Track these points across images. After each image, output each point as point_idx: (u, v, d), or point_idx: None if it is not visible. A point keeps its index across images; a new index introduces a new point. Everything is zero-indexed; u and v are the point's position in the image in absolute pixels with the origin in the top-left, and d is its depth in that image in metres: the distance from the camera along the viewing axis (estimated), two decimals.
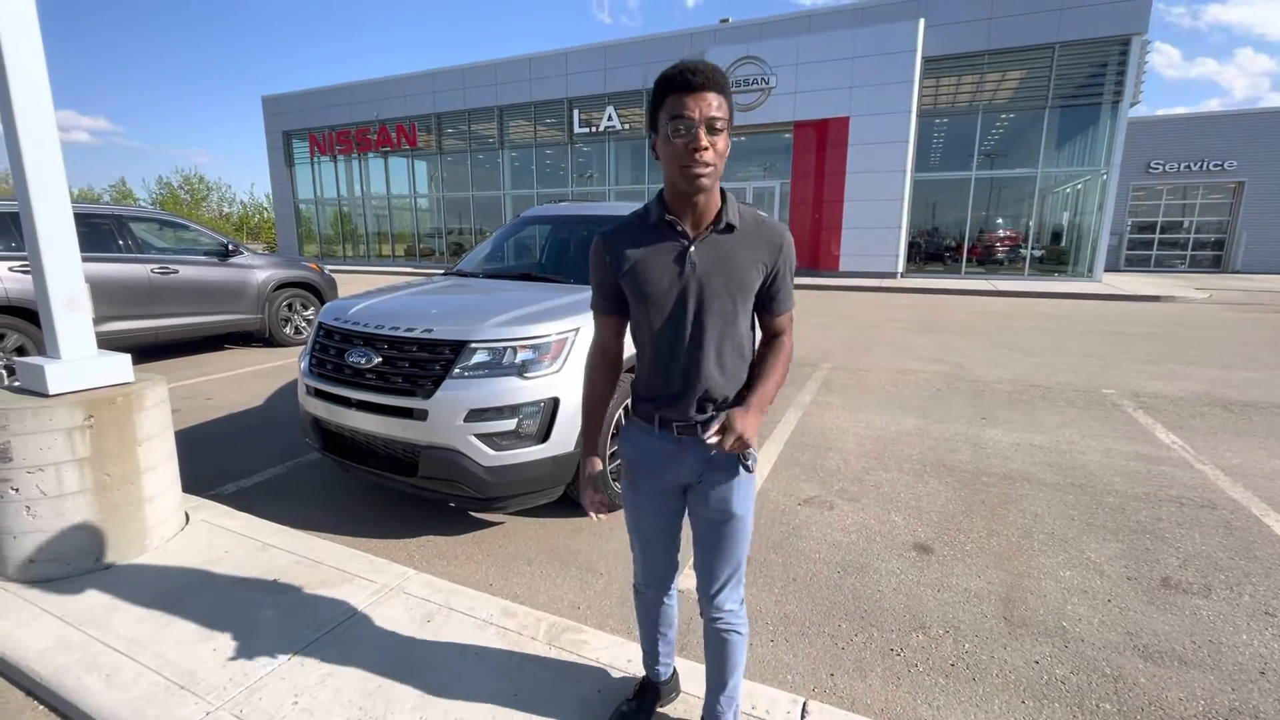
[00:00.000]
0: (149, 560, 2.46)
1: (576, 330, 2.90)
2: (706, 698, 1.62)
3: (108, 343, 2.95)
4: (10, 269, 5.41)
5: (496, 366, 2.73)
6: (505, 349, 2.75)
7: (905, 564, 2.72)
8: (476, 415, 2.65)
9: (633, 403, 1.55)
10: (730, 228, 1.37)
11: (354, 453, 3.01)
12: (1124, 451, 4.10)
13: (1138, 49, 14.99)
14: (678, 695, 1.82)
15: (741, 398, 1.42)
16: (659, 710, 1.77)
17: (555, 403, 2.75)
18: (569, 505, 3.14)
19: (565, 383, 2.78)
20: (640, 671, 1.84)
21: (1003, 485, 3.57)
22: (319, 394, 3.02)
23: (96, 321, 2.57)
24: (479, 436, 2.66)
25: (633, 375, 1.56)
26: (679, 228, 1.37)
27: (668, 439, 1.44)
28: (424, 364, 2.75)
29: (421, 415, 2.69)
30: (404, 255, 26.49)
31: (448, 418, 2.66)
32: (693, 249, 1.36)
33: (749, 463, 1.40)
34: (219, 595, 2.24)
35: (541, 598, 2.48)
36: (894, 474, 3.72)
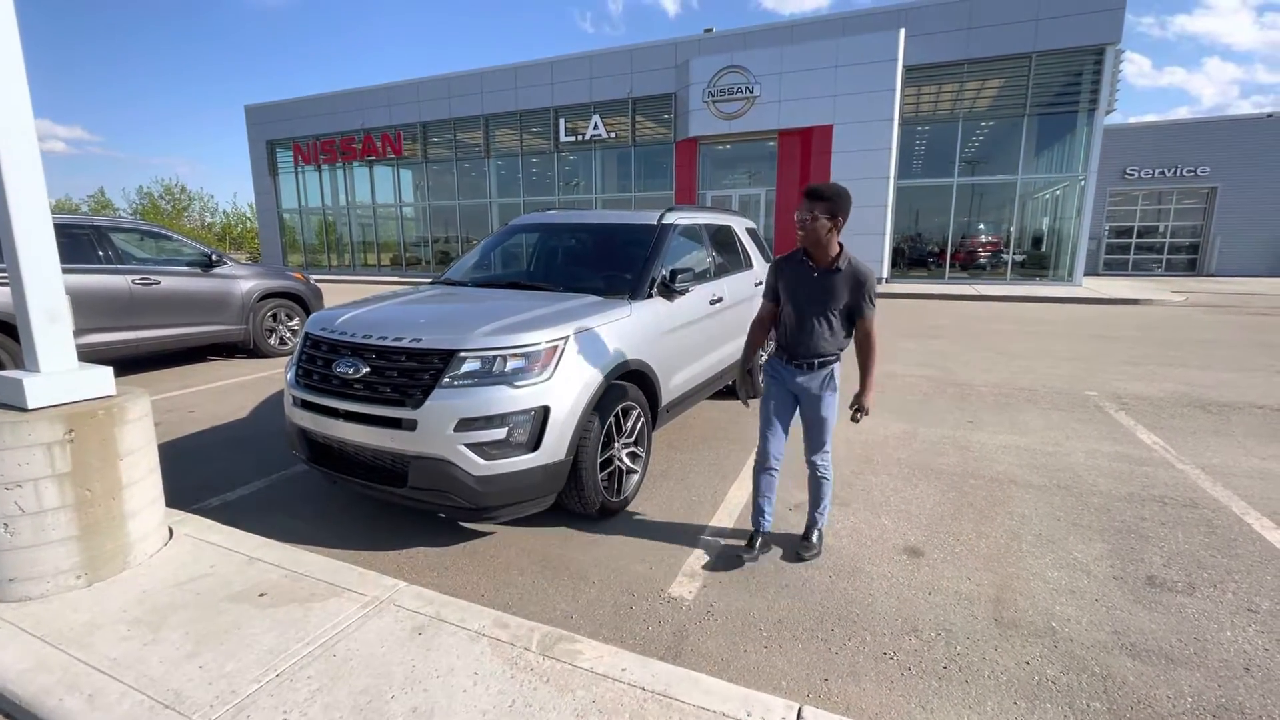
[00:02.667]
0: (132, 577, 2.41)
1: (566, 338, 2.90)
2: (809, 513, 2.89)
3: (88, 355, 2.90)
4: None
5: (486, 375, 2.71)
6: (495, 358, 2.73)
7: (896, 567, 2.74)
8: (466, 424, 2.64)
9: (775, 348, 2.78)
10: (837, 269, 2.53)
11: (342, 464, 2.97)
12: (1107, 453, 4.17)
13: (1112, 58, 15.37)
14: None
15: (831, 355, 2.64)
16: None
17: (546, 411, 2.74)
18: (560, 514, 3.13)
19: (556, 391, 2.78)
20: (642, 672, 1.85)
21: (990, 488, 3.61)
22: (306, 405, 2.99)
23: (77, 334, 2.52)
24: (469, 446, 2.64)
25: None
26: (810, 263, 2.58)
27: (793, 369, 2.67)
28: (413, 373, 2.73)
29: (411, 425, 2.67)
30: (390, 264, 26.30)
31: (437, 427, 2.64)
32: (816, 275, 2.56)
33: (860, 416, 2.66)
34: (204, 611, 2.19)
35: (534, 608, 2.46)
36: (883, 478, 3.75)
